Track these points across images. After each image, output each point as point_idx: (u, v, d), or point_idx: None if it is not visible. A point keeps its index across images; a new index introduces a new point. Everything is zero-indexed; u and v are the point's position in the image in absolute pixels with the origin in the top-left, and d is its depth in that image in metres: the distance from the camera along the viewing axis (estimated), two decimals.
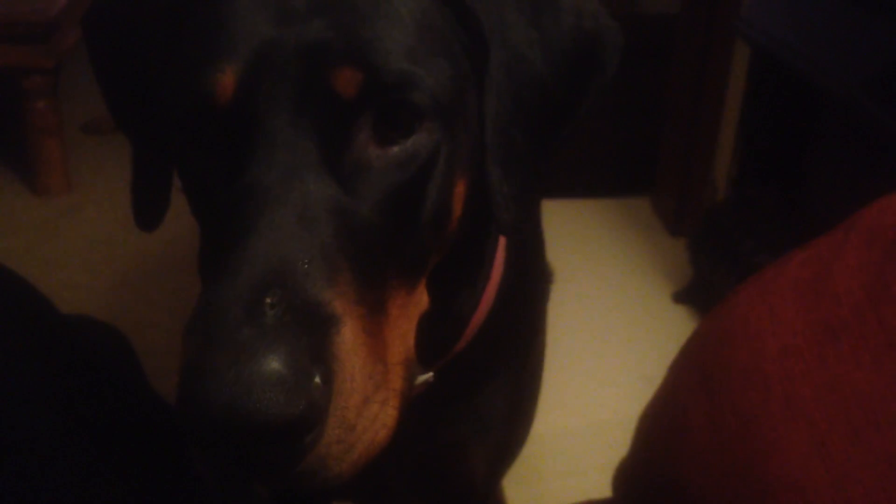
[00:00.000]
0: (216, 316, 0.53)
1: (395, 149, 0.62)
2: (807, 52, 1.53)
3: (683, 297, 2.15)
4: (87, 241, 2.25)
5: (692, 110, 2.27)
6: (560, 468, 1.67)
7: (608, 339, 2.03)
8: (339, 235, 0.59)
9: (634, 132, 2.57)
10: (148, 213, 0.77)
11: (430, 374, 0.84)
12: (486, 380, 0.94)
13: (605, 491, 0.91)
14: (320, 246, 0.57)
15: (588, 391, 1.87)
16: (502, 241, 0.88)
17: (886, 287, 0.59)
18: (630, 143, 2.59)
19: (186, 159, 0.65)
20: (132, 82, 0.73)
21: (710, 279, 1.99)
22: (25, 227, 2.33)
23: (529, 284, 1.00)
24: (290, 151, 0.60)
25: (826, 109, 1.67)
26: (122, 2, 0.74)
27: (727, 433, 0.63)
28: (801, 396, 0.59)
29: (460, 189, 0.68)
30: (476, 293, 0.85)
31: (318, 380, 0.52)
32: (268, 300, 0.53)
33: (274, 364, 0.50)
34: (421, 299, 0.68)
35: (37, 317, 0.78)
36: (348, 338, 0.56)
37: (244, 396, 0.49)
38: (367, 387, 0.57)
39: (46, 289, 0.87)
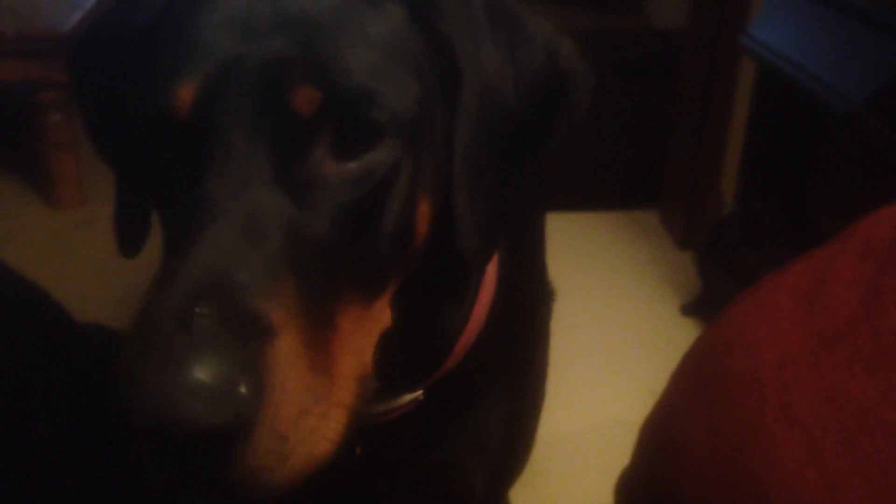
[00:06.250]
0: (149, 326, 0.54)
1: (353, 164, 0.62)
2: (812, 69, 1.54)
3: (691, 309, 2.15)
4: (99, 253, 2.27)
5: (699, 125, 2.28)
6: (566, 473, 1.67)
7: (616, 351, 2.03)
8: (284, 248, 0.58)
9: (642, 146, 2.58)
10: (130, 239, 0.78)
11: (420, 392, 0.83)
12: (480, 398, 0.93)
13: (610, 496, 0.91)
14: (263, 258, 0.57)
15: (595, 402, 1.87)
16: (492, 262, 0.86)
17: (880, 298, 0.60)
18: (638, 156, 2.59)
19: (152, 175, 0.66)
20: (113, 109, 0.74)
21: (717, 292, 1.99)
22: (39, 239, 2.35)
23: (526, 303, 0.99)
24: (243, 166, 0.60)
25: (830, 125, 1.67)
26: (103, 33, 0.75)
27: (724, 441, 0.64)
28: (796, 404, 0.60)
29: (424, 209, 0.67)
30: (461, 312, 0.83)
31: (244, 390, 0.52)
32: (199, 310, 0.53)
33: (198, 374, 0.51)
34: (381, 315, 0.67)
35: (51, 324, 0.79)
36: (284, 349, 0.55)
37: (167, 407, 0.50)
38: (303, 399, 0.57)
39: (59, 300, 0.89)
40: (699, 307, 2.13)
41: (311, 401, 0.57)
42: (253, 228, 0.58)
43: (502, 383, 0.94)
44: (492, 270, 0.86)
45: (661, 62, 2.46)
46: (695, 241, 2.30)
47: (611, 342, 2.07)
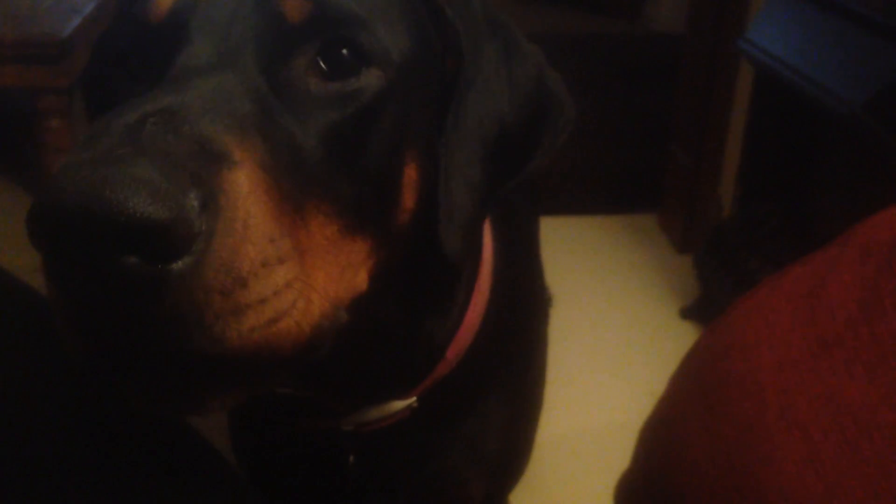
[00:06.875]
0: (93, 135, 0.48)
1: (336, 84, 0.60)
2: (810, 73, 1.54)
3: (691, 313, 2.15)
4: None
5: (698, 128, 2.28)
6: (565, 476, 1.67)
7: (615, 354, 2.03)
8: (255, 115, 0.54)
9: (641, 149, 2.59)
10: None
11: (413, 399, 0.83)
12: (476, 405, 0.92)
13: (610, 499, 0.91)
14: (229, 109, 0.52)
15: (595, 405, 1.87)
16: (486, 267, 0.86)
17: (879, 301, 0.60)
18: (637, 160, 2.60)
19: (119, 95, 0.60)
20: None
21: (717, 295, 1.99)
22: None
23: (522, 308, 0.99)
24: (221, 49, 0.57)
25: (829, 128, 1.68)
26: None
27: (724, 444, 0.64)
28: (795, 408, 0.60)
29: (411, 173, 0.66)
30: (451, 318, 0.82)
31: (195, 201, 0.46)
32: (151, 120, 0.48)
33: (142, 168, 0.44)
34: (359, 263, 0.63)
35: (50, 329, 0.79)
36: (242, 179, 0.49)
37: (101, 186, 0.43)
38: (266, 247, 0.50)
39: None
40: (698, 310, 2.13)
41: (274, 253, 0.51)
42: (223, 91, 0.54)
43: (499, 389, 0.94)
44: (486, 275, 0.86)
45: (660, 66, 2.47)
46: (694, 244, 2.31)
47: (610, 345, 2.07)
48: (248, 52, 0.58)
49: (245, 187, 0.49)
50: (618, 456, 0.94)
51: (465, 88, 0.69)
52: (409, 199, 0.67)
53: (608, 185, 2.63)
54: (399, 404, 0.82)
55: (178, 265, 0.45)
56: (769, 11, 1.78)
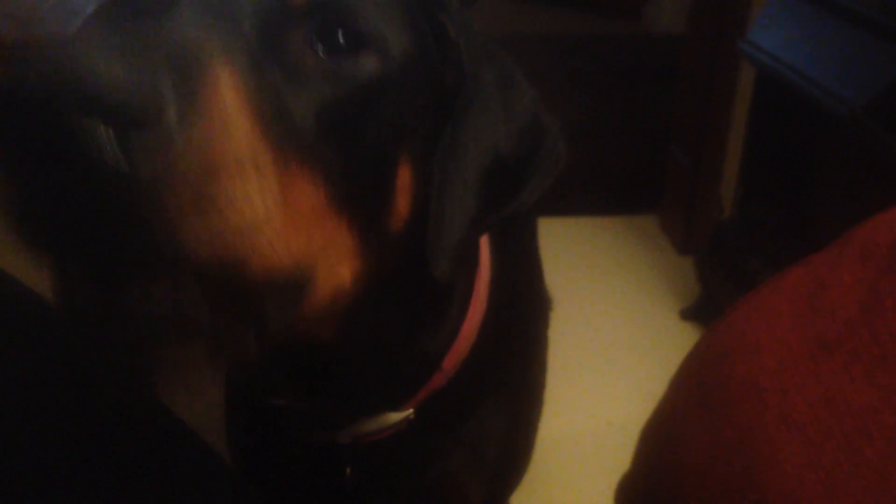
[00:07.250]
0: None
1: (331, 65, 0.58)
2: (811, 74, 1.54)
3: (691, 314, 2.15)
4: None
5: (698, 129, 2.28)
6: (565, 477, 1.67)
7: (616, 355, 2.03)
8: (245, 51, 0.51)
9: (642, 150, 2.59)
10: None
11: (410, 411, 0.82)
12: (474, 411, 0.91)
13: (610, 500, 0.91)
14: (219, 32, 0.49)
15: (595, 406, 1.87)
16: (484, 273, 0.85)
17: (880, 302, 0.60)
18: (637, 161, 2.60)
19: None
20: None
21: (717, 296, 1.99)
22: None
23: (521, 314, 0.99)
24: (215, 17, 0.52)
25: (830, 129, 1.68)
26: None
27: (724, 446, 0.64)
28: (795, 409, 0.60)
29: (405, 175, 0.64)
30: (445, 330, 0.81)
31: (167, 78, 0.43)
32: (130, 24, 0.44)
33: (112, 38, 0.42)
34: (340, 264, 0.61)
35: (48, 331, 0.79)
36: (224, 81, 0.47)
37: (72, 57, 0.41)
38: (243, 147, 0.47)
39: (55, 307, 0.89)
40: (699, 311, 2.13)
41: (251, 159, 0.48)
42: (213, 27, 0.50)
43: (498, 394, 0.94)
44: (483, 281, 0.85)
45: (661, 67, 2.47)
46: (694, 245, 2.31)
47: (610, 346, 2.07)
48: (243, 23, 0.55)
49: (225, 85, 0.47)
50: (618, 456, 0.94)
51: (464, 108, 0.68)
52: (403, 203, 0.66)
53: (608, 186, 2.63)
54: (396, 416, 0.82)
55: (143, 134, 0.42)
56: (769, 12, 1.78)
